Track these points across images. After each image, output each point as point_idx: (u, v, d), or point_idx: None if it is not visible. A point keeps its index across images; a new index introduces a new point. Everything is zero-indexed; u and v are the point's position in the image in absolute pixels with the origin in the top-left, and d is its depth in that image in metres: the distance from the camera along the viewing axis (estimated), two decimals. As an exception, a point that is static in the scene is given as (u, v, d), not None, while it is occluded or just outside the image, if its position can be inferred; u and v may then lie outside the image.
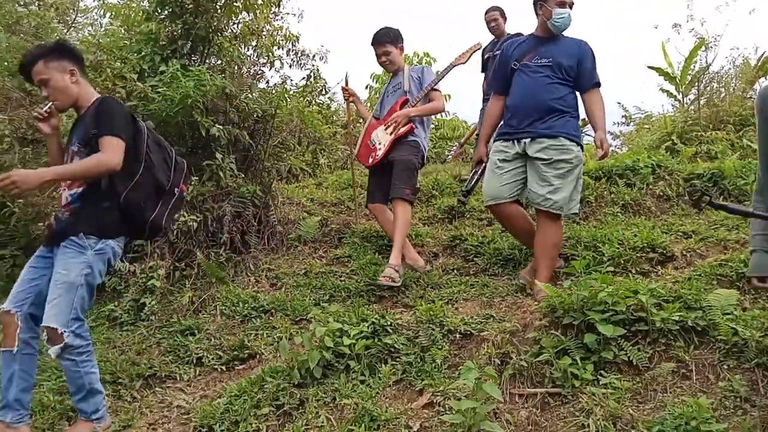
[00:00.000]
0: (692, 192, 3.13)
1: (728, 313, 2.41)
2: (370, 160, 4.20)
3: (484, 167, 3.73)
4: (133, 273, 3.92)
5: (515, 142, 3.47)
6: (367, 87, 12.34)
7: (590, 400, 2.17)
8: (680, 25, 7.47)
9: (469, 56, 4.22)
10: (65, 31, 6.77)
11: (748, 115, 6.55)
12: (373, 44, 4.23)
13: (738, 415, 1.95)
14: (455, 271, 4.11)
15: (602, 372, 2.32)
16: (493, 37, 5.88)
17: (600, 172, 5.03)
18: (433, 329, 2.85)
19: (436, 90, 4.14)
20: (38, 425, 2.69)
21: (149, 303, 3.78)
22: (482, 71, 5.74)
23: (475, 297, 3.53)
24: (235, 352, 3.25)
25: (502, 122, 3.64)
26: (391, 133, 4.06)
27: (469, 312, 3.21)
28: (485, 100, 6.01)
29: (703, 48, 7.39)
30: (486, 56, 5.83)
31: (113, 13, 5.68)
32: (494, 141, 3.63)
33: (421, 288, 3.82)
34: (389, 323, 2.95)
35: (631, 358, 2.33)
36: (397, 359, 2.74)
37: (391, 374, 2.65)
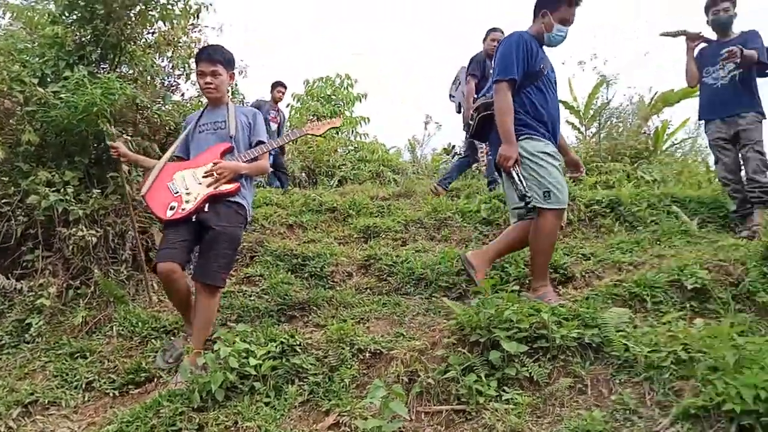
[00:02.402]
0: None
1: (621, 330, 2.52)
2: (169, 212, 3.20)
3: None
4: (18, 291, 3.61)
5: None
6: (288, 106, 12.19)
7: (493, 415, 2.20)
8: (584, 62, 8.06)
9: (326, 130, 3.80)
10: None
11: (642, 149, 7.10)
12: (199, 59, 3.40)
13: (627, 427, 2.03)
14: (368, 290, 4.09)
15: (505, 388, 2.37)
16: (477, 56, 6.17)
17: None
18: (343, 348, 2.81)
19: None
20: None
21: (35, 323, 3.49)
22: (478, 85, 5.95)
23: (386, 316, 3.53)
24: (131, 376, 3.05)
25: (529, 122, 3.26)
26: (209, 186, 3.23)
27: (380, 331, 3.20)
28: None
29: (604, 85, 7.98)
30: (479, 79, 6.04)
31: (14, 13, 5.34)
32: (526, 139, 3.22)
33: (334, 307, 3.77)
34: (299, 343, 2.88)
35: (532, 374, 2.39)
36: (305, 380, 2.67)
37: (297, 395, 2.58)
